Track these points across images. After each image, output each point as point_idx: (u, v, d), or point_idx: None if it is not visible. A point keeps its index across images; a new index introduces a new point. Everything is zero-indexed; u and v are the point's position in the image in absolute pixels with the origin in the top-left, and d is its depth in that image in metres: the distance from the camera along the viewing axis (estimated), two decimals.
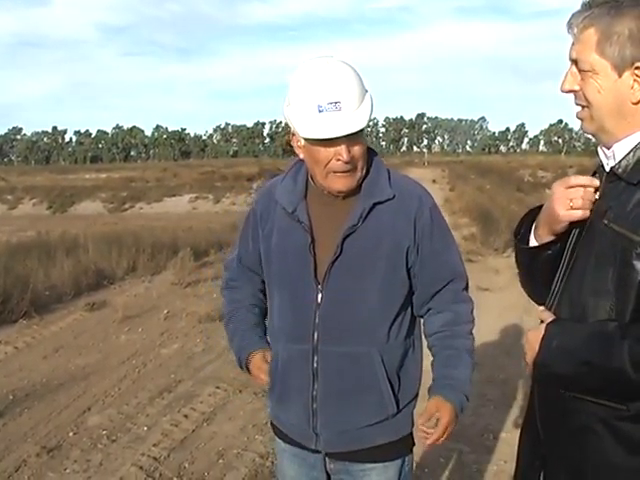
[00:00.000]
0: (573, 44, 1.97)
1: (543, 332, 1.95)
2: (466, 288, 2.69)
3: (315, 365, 2.51)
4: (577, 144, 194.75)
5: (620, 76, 1.90)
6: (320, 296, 2.49)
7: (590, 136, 2.07)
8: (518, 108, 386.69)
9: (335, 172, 2.41)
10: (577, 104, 2.02)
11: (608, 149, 1.99)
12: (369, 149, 2.53)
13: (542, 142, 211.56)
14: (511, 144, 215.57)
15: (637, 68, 1.87)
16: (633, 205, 1.86)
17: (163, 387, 6.85)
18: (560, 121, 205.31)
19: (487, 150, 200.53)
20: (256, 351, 2.74)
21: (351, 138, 2.35)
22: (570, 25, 1.97)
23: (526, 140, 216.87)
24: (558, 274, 2.09)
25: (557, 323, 1.97)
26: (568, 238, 2.08)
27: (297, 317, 2.55)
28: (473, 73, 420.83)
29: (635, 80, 1.89)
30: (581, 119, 2.02)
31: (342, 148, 2.35)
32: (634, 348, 1.75)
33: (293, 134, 2.47)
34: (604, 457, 1.90)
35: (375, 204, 2.48)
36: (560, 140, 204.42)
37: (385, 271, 2.48)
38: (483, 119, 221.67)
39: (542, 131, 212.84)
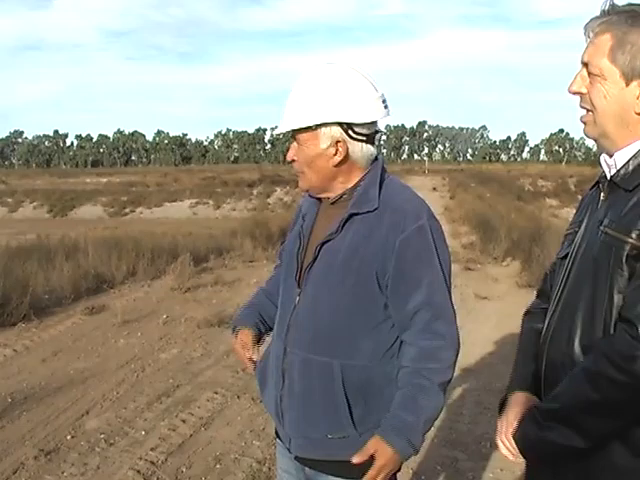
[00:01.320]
0: (587, 47, 1.99)
1: (521, 421, 2.04)
2: (440, 318, 2.40)
3: (284, 366, 2.55)
4: (578, 153, 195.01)
5: (627, 85, 1.92)
6: (297, 299, 2.54)
7: (591, 141, 2.10)
8: (519, 117, 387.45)
9: None
10: (582, 107, 2.04)
11: (610, 157, 2.01)
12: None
13: (543, 151, 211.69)
14: (512, 153, 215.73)
15: None
16: (628, 209, 1.90)
17: (161, 392, 6.86)
18: (561, 130, 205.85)
19: (488, 159, 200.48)
20: (246, 327, 2.78)
21: (297, 141, 2.49)
22: (586, 29, 2.00)
23: (527, 149, 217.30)
24: (560, 281, 2.13)
25: (526, 415, 2.05)
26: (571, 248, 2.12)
27: (281, 316, 2.63)
28: (475, 81, 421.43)
29: None
30: (584, 122, 2.04)
31: (290, 147, 2.54)
32: (598, 361, 1.83)
33: None
34: (610, 459, 1.91)
35: (352, 215, 2.45)
36: (561, 149, 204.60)
37: (353, 285, 2.42)
38: (484, 127, 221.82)
39: (543, 140, 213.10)
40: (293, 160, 2.52)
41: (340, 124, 2.39)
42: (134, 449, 5.54)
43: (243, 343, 2.73)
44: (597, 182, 2.12)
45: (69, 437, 5.76)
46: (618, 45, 1.91)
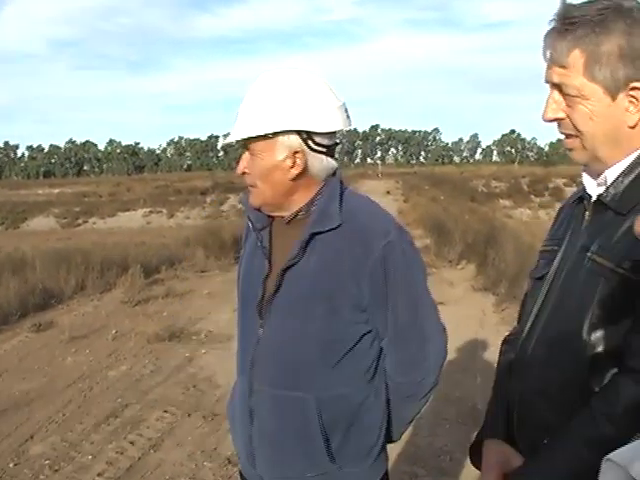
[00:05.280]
0: (551, 67, 1.77)
1: None
2: (423, 337, 2.29)
3: (251, 404, 2.31)
4: (530, 154, 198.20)
5: (614, 99, 1.71)
6: (261, 331, 2.28)
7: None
8: (471, 119, 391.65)
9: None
10: (563, 133, 1.82)
11: (599, 175, 1.81)
12: None
13: (495, 152, 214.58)
14: (464, 154, 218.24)
15: (632, 89, 1.69)
16: (620, 236, 1.71)
17: (109, 412, 6.62)
18: (513, 131, 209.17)
19: (441, 161, 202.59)
20: None
21: (250, 151, 2.22)
22: (545, 46, 1.77)
23: (479, 150, 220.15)
24: (535, 306, 1.93)
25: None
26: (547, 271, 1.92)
27: (242, 350, 2.38)
28: (426, 84, 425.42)
29: (630, 102, 1.71)
30: (570, 149, 1.83)
31: (241, 158, 2.27)
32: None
33: None
34: None
35: (314, 234, 2.20)
36: (513, 150, 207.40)
37: (324, 314, 2.18)
38: (436, 130, 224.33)
39: (495, 141, 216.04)
40: (244, 173, 2.26)
41: (299, 133, 2.15)
42: (80, 475, 5.31)
43: None
44: (580, 198, 1.91)
45: (12, 465, 5.51)
46: (593, 60, 1.69)
